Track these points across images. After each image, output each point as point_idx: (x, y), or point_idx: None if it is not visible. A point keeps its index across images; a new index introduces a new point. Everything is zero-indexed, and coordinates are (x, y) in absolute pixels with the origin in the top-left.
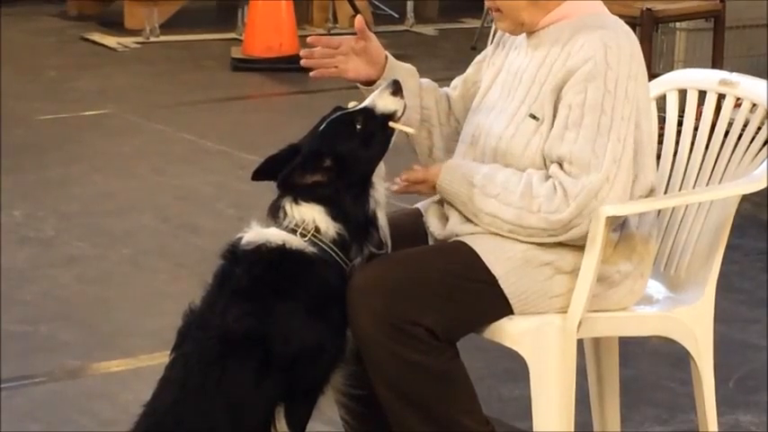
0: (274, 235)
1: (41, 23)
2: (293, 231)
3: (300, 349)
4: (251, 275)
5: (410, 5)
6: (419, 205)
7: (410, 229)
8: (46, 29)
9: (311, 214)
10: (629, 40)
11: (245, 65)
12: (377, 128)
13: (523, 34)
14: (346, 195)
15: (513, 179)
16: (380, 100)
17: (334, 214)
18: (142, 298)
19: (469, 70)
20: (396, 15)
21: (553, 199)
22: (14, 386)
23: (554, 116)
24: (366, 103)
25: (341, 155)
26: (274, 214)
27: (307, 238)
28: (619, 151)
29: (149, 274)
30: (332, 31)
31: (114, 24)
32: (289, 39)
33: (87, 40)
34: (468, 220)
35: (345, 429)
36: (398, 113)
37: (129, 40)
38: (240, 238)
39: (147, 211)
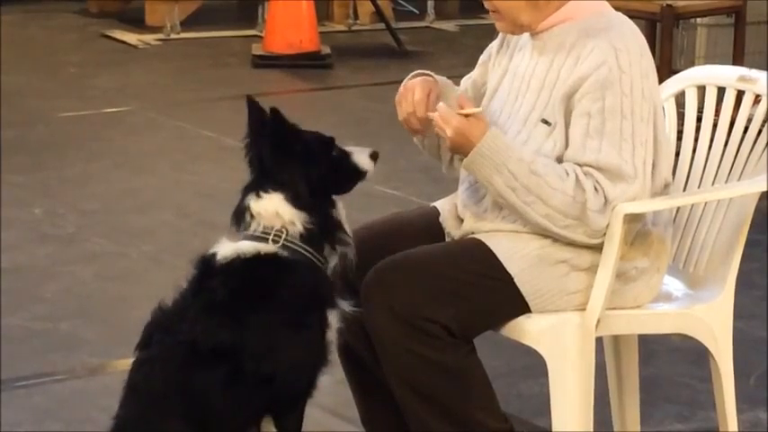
0: (247, 246)
1: (62, 20)
2: (264, 239)
3: (277, 367)
4: (227, 288)
5: (431, 1)
6: (436, 204)
7: (427, 227)
8: (67, 26)
9: (273, 206)
10: (635, 38)
11: (266, 62)
12: (342, 170)
13: (528, 35)
14: (306, 188)
15: (555, 165)
16: (360, 156)
17: (295, 202)
18: (162, 295)
19: (476, 72)
20: (416, 11)
21: (597, 199)
22: (35, 383)
23: (565, 122)
24: (348, 148)
25: (311, 151)
26: (239, 220)
27: (279, 244)
28: (643, 155)
29: (169, 271)
30: (352, 28)
31: (135, 21)
32: (309, 35)
33: (108, 37)
34: (483, 219)
35: (366, 430)
36: (366, 176)
37: (149, 38)
38: (214, 254)
39: (167, 209)
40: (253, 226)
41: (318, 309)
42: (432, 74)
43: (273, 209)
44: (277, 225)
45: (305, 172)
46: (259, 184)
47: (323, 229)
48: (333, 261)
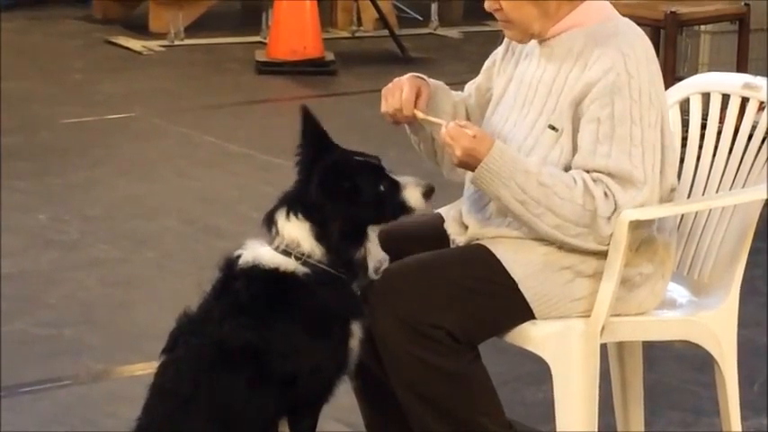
0: (268, 257)
1: (67, 26)
2: (287, 253)
3: (299, 368)
4: (250, 292)
5: (434, 8)
6: (440, 210)
7: (431, 233)
8: (71, 32)
9: (297, 233)
10: (642, 43)
11: (270, 68)
12: (390, 204)
13: (534, 41)
14: (336, 227)
15: (561, 174)
16: (411, 191)
17: (320, 239)
18: (166, 301)
19: (480, 78)
20: (420, 18)
21: (607, 205)
22: (39, 389)
23: (573, 129)
24: (401, 179)
25: (358, 190)
26: (269, 226)
27: (301, 261)
28: (652, 160)
29: (173, 277)
30: (356, 35)
31: (139, 27)
32: (313, 42)
33: (112, 43)
34: (488, 225)
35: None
36: (414, 212)
37: (153, 44)
38: (239, 256)
39: (171, 215)
40: (277, 240)
41: (339, 319)
42: (424, 76)
43: (296, 236)
44: (296, 245)
45: (345, 216)
46: (294, 203)
47: (342, 266)
48: (363, 278)
